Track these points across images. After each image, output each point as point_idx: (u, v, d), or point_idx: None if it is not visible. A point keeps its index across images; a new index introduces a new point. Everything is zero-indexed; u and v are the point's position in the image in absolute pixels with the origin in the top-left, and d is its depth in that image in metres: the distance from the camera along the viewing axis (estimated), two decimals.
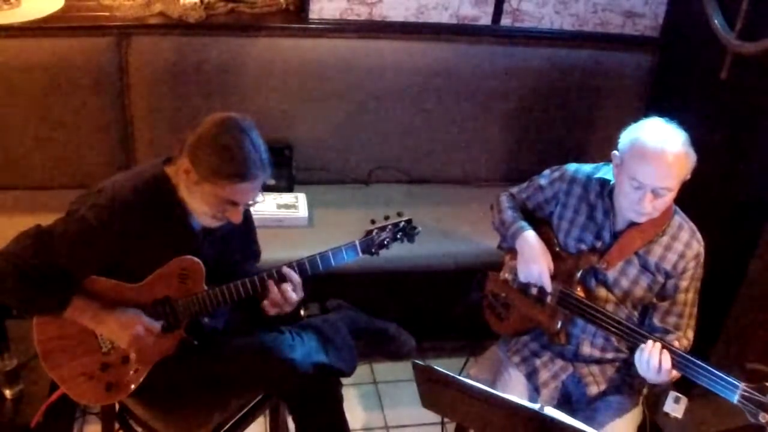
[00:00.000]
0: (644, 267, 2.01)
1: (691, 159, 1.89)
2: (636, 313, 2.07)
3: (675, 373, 1.84)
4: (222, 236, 2.02)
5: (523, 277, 2.14)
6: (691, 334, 2.04)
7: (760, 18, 2.53)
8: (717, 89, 2.75)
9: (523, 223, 2.17)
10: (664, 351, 1.82)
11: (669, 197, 1.90)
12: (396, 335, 2.44)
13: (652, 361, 1.82)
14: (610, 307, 2.02)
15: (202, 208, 1.85)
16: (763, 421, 1.71)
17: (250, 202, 1.89)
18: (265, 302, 1.97)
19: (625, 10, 3.13)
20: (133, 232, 1.83)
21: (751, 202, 2.57)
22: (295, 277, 1.96)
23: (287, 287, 1.95)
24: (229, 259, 2.09)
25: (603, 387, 2.11)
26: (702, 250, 2.00)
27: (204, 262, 1.94)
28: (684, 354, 1.85)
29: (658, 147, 1.85)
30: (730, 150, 2.68)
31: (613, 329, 1.94)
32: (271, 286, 1.95)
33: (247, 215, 2.11)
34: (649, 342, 1.85)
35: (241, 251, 2.16)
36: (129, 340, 1.90)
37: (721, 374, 1.78)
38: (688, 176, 1.91)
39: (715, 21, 2.69)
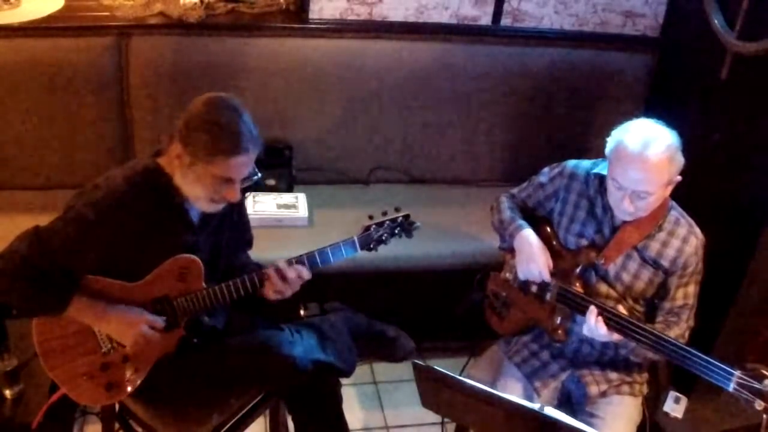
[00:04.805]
0: (644, 261, 2.01)
1: (674, 163, 1.88)
2: (639, 308, 2.07)
3: (617, 335, 1.94)
4: (215, 228, 2.03)
5: (522, 275, 2.14)
6: (692, 322, 2.05)
7: (760, 18, 2.53)
8: (717, 89, 2.75)
9: (521, 222, 2.18)
10: (599, 317, 1.93)
11: (651, 199, 1.90)
12: (395, 338, 2.43)
13: (590, 322, 1.94)
14: (611, 303, 2.02)
15: (197, 191, 1.84)
16: (759, 408, 1.70)
17: (246, 178, 1.86)
18: (268, 290, 1.96)
19: (625, 10, 3.13)
20: (130, 225, 1.82)
21: (750, 203, 2.57)
22: (291, 272, 1.95)
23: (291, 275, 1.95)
24: (223, 251, 2.10)
25: (603, 387, 2.11)
26: (701, 244, 2.00)
27: (201, 254, 1.94)
28: (668, 338, 1.88)
29: (637, 152, 1.85)
30: (730, 150, 2.68)
31: (611, 323, 1.94)
32: (273, 278, 1.95)
33: (239, 202, 2.11)
34: (592, 307, 1.94)
35: (234, 240, 2.16)
36: (133, 338, 1.90)
37: (716, 362, 1.78)
38: (677, 178, 1.91)
39: (715, 21, 2.69)
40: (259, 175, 1.91)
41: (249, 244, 2.25)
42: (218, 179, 1.81)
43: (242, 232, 2.20)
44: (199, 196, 1.86)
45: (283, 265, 1.95)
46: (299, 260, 1.97)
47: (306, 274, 1.97)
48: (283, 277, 1.95)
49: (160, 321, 1.93)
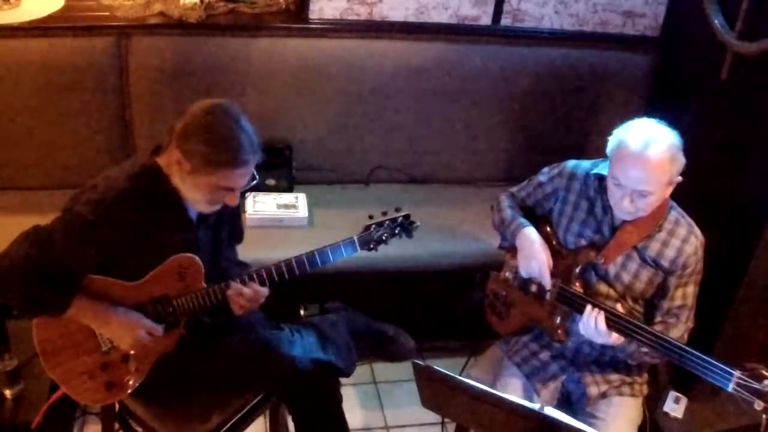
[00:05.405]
0: (644, 261, 2.01)
1: (675, 163, 1.88)
2: (639, 308, 2.07)
3: (616, 336, 1.93)
4: (213, 224, 2.04)
5: (523, 273, 2.14)
6: (691, 323, 2.05)
7: (760, 18, 2.53)
8: (717, 89, 2.75)
9: (523, 220, 2.18)
10: (600, 314, 1.91)
11: (652, 199, 1.90)
12: (395, 337, 2.44)
13: (590, 322, 1.91)
14: (610, 303, 2.02)
15: (196, 196, 1.86)
16: (759, 408, 1.70)
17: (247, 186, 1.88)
18: (234, 307, 1.97)
19: (625, 10, 3.13)
20: (129, 223, 1.83)
21: (750, 202, 2.57)
22: (247, 291, 1.96)
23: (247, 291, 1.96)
24: (222, 247, 2.10)
25: (603, 387, 2.11)
26: (701, 244, 2.00)
27: (201, 251, 1.95)
28: (668, 338, 1.88)
29: (638, 151, 1.86)
30: (730, 150, 2.68)
31: (611, 323, 1.94)
32: (232, 298, 1.95)
33: None
34: (588, 307, 1.94)
35: (228, 234, 2.16)
36: (131, 342, 1.91)
37: (715, 362, 1.78)
38: (678, 178, 1.91)
39: (715, 21, 2.69)
40: (257, 179, 1.92)
41: (240, 237, 2.25)
42: (218, 188, 1.82)
43: (235, 225, 2.21)
44: (197, 200, 1.87)
45: (237, 286, 1.95)
46: (258, 274, 1.97)
47: (264, 291, 1.98)
48: (242, 296, 1.95)
49: (158, 329, 1.93)
